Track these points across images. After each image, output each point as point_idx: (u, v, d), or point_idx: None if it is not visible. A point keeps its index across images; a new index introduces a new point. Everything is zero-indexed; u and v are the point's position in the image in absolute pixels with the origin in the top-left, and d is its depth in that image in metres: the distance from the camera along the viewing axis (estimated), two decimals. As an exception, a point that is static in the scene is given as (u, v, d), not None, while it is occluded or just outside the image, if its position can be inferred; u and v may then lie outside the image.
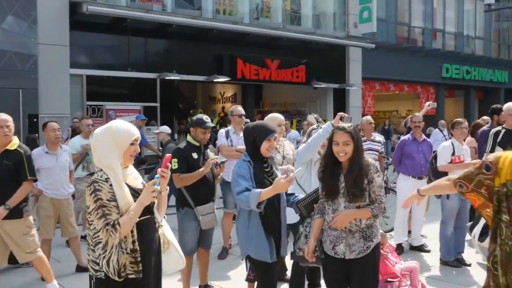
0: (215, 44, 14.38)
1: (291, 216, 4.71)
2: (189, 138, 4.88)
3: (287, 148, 5.45)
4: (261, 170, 3.71)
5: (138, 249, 2.82)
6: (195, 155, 4.73)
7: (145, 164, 11.30)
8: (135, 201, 2.82)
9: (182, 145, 4.89)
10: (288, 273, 5.26)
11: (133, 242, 2.81)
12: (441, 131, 12.34)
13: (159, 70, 13.51)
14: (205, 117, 4.86)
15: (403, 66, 19.70)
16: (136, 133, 2.92)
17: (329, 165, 3.43)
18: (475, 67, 22.84)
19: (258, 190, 3.51)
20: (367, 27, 17.54)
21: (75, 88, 12.21)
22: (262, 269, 3.73)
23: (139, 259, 2.82)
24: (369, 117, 7.96)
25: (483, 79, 23.32)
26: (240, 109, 6.44)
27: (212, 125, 4.93)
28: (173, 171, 4.66)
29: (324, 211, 3.52)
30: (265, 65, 15.27)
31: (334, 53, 17.30)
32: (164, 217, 3.19)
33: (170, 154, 3.18)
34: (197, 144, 4.81)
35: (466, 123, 6.37)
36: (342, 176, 3.38)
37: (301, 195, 4.05)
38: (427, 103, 7.33)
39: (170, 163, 3.14)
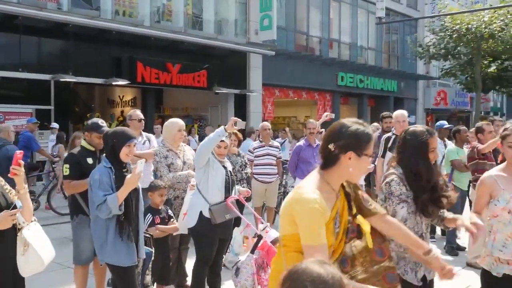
0: (114, 46, 14.00)
1: (189, 220, 4.74)
2: (83, 142, 4.71)
3: (188, 153, 5.44)
4: (122, 175, 3.70)
5: None
6: (90, 161, 4.57)
7: (38, 170, 10.74)
8: None
9: (76, 150, 4.71)
10: (188, 279, 5.25)
11: None
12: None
13: (53, 71, 12.90)
14: (101, 121, 4.71)
15: (302, 74, 20.36)
16: None
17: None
18: (368, 76, 24.12)
19: (114, 194, 3.55)
20: (268, 34, 17.95)
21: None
22: (120, 274, 3.74)
23: None
24: (266, 123, 8.14)
25: (374, 87, 24.69)
26: (139, 113, 6.31)
27: (108, 129, 4.79)
28: (64, 177, 4.50)
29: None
30: (166, 69, 15.10)
31: (235, 59, 17.50)
32: (34, 219, 3.16)
33: (22, 151, 3.12)
34: (92, 149, 4.65)
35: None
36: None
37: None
38: (325, 114, 7.69)
39: (22, 159, 3.09)
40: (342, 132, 2.30)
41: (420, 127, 3.01)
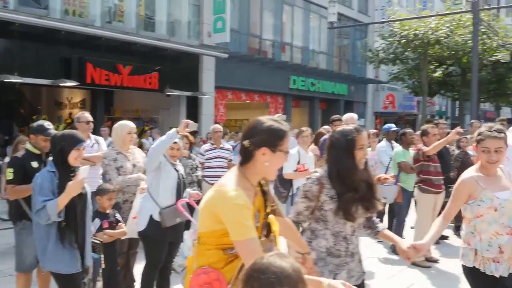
0: (63, 46, 13.64)
1: (139, 224, 4.69)
2: (28, 145, 4.58)
3: (137, 156, 5.38)
4: (68, 180, 3.58)
5: None
6: (35, 164, 4.44)
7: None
8: None
9: (20, 153, 4.57)
10: (136, 284, 5.19)
11: None
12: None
13: (-2, 71, 12.45)
14: (47, 124, 4.59)
15: (254, 77, 20.46)
16: None
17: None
18: (319, 80, 24.47)
19: (54, 200, 3.46)
20: (221, 37, 17.95)
21: None
22: (63, 282, 3.66)
23: None
24: (217, 126, 8.15)
25: (326, 91, 25.08)
26: (87, 115, 6.18)
27: (54, 132, 4.68)
28: (7, 181, 4.36)
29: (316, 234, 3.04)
30: (116, 71, 14.84)
31: (187, 61, 17.39)
32: None
33: None
34: (38, 152, 4.53)
35: (309, 132, 6.79)
36: None
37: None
38: (277, 115, 7.77)
39: None
40: (256, 128, 2.35)
41: (349, 126, 3.05)
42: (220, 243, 2.29)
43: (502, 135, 3.26)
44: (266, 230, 2.44)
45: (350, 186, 2.89)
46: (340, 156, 2.94)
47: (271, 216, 2.44)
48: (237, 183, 2.30)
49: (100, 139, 6.36)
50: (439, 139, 6.80)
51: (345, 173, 2.91)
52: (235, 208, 2.20)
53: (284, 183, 6.44)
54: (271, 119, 2.39)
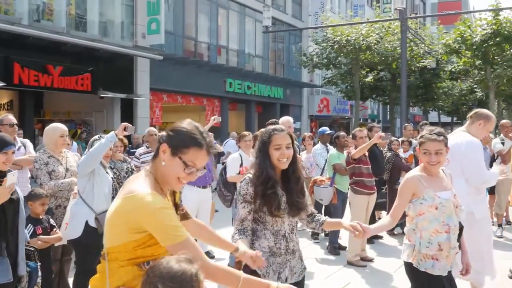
0: (-13, 45, 12.99)
1: (73, 231, 4.53)
2: None
3: (71, 160, 5.21)
4: None
5: None
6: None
7: None
8: None
9: None
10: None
11: None
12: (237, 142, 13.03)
13: None
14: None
15: (190, 79, 20.33)
16: None
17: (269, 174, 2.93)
18: (255, 83, 24.66)
19: None
20: (155, 38, 17.70)
21: None
22: None
23: None
24: (152, 128, 8.05)
25: (262, 94, 25.30)
26: (11, 117, 5.88)
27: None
28: None
29: (255, 234, 3.02)
30: (46, 71, 14.28)
31: (121, 63, 17.01)
32: None
33: None
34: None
35: (251, 136, 6.83)
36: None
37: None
38: (212, 118, 7.75)
39: None
40: (180, 125, 2.21)
41: (271, 127, 3.05)
42: (134, 257, 2.10)
43: (442, 138, 3.39)
44: None
45: (266, 185, 2.90)
46: (257, 156, 2.98)
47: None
48: (149, 187, 2.12)
49: (27, 142, 6.09)
50: (366, 142, 7.02)
51: (259, 172, 2.94)
52: (158, 212, 2.03)
53: (228, 187, 6.45)
54: (195, 126, 2.22)
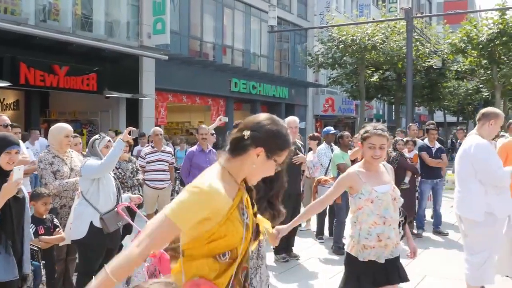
0: (-7, 45, 13.05)
1: (77, 231, 4.54)
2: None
3: (75, 160, 5.23)
4: (3, 183, 3.44)
5: None
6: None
7: None
8: None
9: None
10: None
11: None
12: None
13: None
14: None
15: (195, 79, 20.34)
16: None
17: None
18: (260, 83, 24.65)
19: None
20: (161, 38, 17.73)
21: None
22: None
23: None
24: (158, 128, 8.07)
25: (267, 94, 25.29)
26: (4, 118, 5.87)
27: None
28: None
29: None
30: (52, 71, 14.33)
31: (127, 63, 17.06)
32: None
33: None
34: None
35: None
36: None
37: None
38: (219, 118, 7.81)
39: None
40: (263, 125, 2.12)
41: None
42: (208, 251, 2.04)
43: (386, 133, 3.57)
44: (256, 232, 2.23)
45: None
46: None
47: (258, 216, 2.27)
48: (215, 177, 2.06)
49: (20, 142, 6.10)
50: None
51: None
52: (191, 190, 1.98)
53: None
54: (281, 124, 2.16)
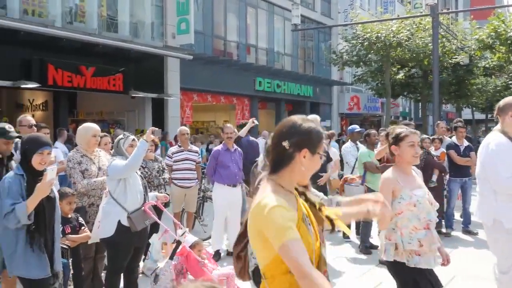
0: (22, 47, 13.28)
1: (105, 230, 4.59)
2: (-12, 149, 4.43)
3: (103, 159, 5.29)
4: (36, 183, 3.49)
5: None
6: (-4, 168, 4.32)
7: None
8: None
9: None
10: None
11: None
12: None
13: (-45, 73, 12.03)
14: (8, 126, 4.46)
15: (220, 78, 20.42)
16: None
17: None
18: (285, 82, 24.61)
19: (24, 202, 3.39)
20: (185, 38, 17.85)
21: None
22: (33, 287, 3.57)
23: None
24: (184, 128, 8.10)
25: (291, 92, 25.24)
26: (29, 118, 5.95)
27: (16, 134, 4.55)
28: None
29: None
30: (79, 72, 14.55)
31: (152, 63, 17.21)
32: None
33: None
34: (-1, 156, 4.40)
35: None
36: None
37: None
38: (251, 120, 7.93)
39: None
40: (295, 129, 2.17)
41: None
42: (287, 270, 2.04)
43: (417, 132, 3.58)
44: (330, 223, 2.26)
45: None
46: None
47: (323, 209, 2.28)
48: (272, 192, 2.10)
49: None
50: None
51: None
52: (271, 212, 2.00)
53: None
54: (306, 119, 2.22)
